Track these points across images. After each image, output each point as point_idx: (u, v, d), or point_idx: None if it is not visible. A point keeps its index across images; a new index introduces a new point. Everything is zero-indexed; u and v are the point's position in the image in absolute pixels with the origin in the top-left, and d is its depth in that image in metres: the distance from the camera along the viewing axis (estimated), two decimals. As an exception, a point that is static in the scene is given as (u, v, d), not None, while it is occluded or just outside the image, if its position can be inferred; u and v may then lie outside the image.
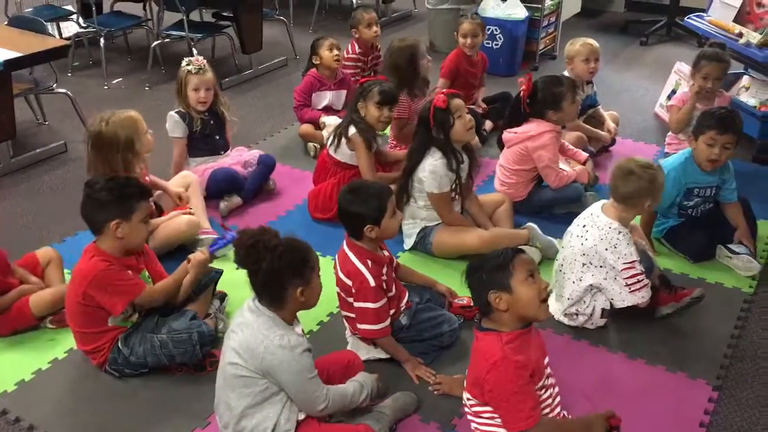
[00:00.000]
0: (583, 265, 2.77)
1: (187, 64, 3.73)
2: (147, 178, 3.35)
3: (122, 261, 2.58)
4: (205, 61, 3.78)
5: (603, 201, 2.85)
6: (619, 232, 2.71)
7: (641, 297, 2.74)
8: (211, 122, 3.83)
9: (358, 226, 2.54)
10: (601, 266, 2.75)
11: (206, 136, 3.82)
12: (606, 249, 2.71)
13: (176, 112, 3.76)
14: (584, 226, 2.80)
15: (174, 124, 3.76)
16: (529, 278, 2.08)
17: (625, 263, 2.70)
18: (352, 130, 3.58)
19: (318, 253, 3.27)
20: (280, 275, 2.11)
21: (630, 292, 2.73)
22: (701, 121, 3.26)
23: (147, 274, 2.69)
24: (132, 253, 2.63)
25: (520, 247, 3.12)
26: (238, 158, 3.92)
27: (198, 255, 2.69)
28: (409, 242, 3.37)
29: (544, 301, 2.11)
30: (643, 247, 2.97)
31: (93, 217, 2.55)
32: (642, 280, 2.72)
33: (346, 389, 2.29)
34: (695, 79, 3.90)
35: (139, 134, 3.13)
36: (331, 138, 3.70)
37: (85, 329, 2.60)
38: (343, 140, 3.61)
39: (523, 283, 2.07)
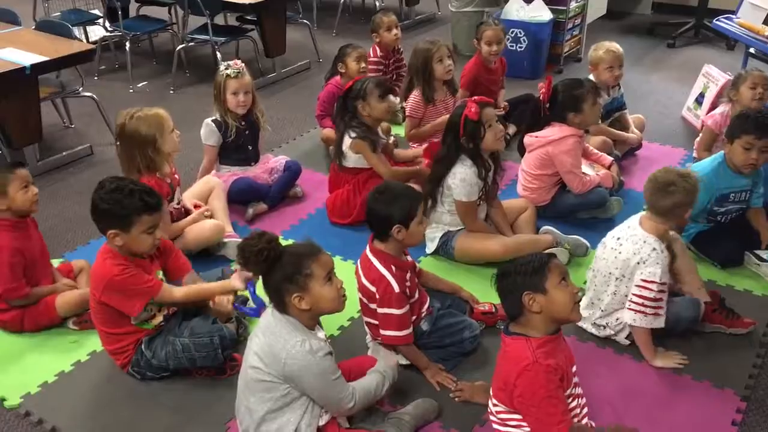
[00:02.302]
0: (617, 279, 2.70)
1: (226, 68, 3.69)
2: (176, 176, 3.37)
3: (136, 262, 2.57)
4: (243, 64, 3.75)
5: (641, 213, 2.76)
6: (653, 249, 2.61)
7: (633, 319, 2.64)
8: (246, 132, 3.81)
9: (386, 226, 2.52)
10: (630, 279, 2.67)
11: (239, 146, 3.81)
12: (637, 263, 2.62)
13: (212, 120, 3.74)
14: (619, 238, 2.72)
15: (209, 132, 3.74)
16: (562, 281, 2.09)
17: (643, 280, 2.61)
18: (349, 138, 3.57)
19: (338, 258, 3.34)
20: (272, 280, 2.12)
21: (628, 308, 2.65)
22: (737, 124, 3.16)
23: (159, 276, 2.70)
24: (141, 255, 2.61)
25: (549, 251, 3.12)
26: (264, 167, 3.92)
27: (223, 304, 2.70)
28: (431, 246, 3.35)
29: (577, 302, 2.12)
30: (688, 265, 2.91)
31: (95, 222, 2.57)
32: (647, 305, 2.60)
33: (369, 383, 2.28)
34: (741, 92, 3.78)
35: (163, 132, 3.13)
36: (333, 155, 3.72)
37: (110, 329, 2.61)
38: (346, 151, 3.59)
39: (557, 287, 2.08)
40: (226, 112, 3.73)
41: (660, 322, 2.64)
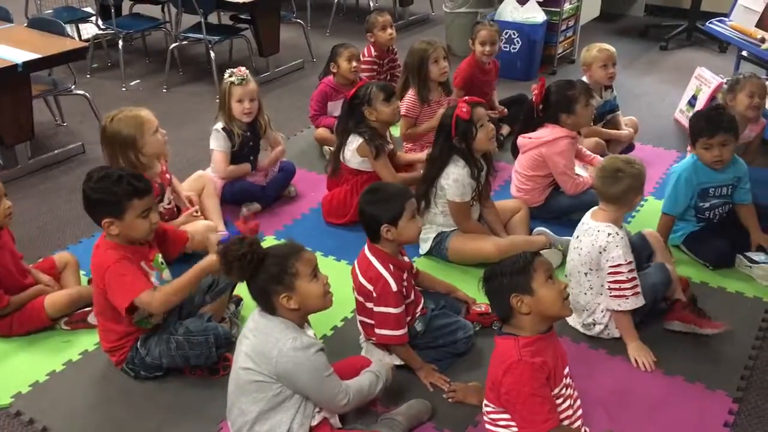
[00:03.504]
0: (586, 274, 2.76)
1: (230, 76, 3.64)
2: (167, 175, 3.36)
3: (134, 249, 2.55)
4: (247, 71, 3.69)
5: (593, 208, 2.83)
6: (608, 234, 2.68)
7: (618, 305, 2.69)
8: (250, 143, 3.77)
9: (376, 226, 2.53)
10: (598, 270, 2.73)
11: (241, 155, 3.76)
12: (599, 253, 2.69)
13: (222, 129, 3.68)
14: (578, 236, 2.80)
15: (220, 139, 3.68)
16: (549, 280, 2.10)
17: (611, 266, 2.67)
18: (356, 142, 3.56)
19: (332, 258, 3.34)
20: (257, 283, 2.12)
21: (610, 296, 2.70)
22: (692, 128, 3.25)
23: (159, 259, 2.67)
24: (139, 242, 2.59)
25: (542, 252, 3.12)
26: (260, 170, 3.89)
27: (211, 258, 2.59)
28: (424, 247, 3.35)
29: (566, 299, 2.13)
30: (665, 260, 2.94)
31: (88, 213, 2.55)
32: (625, 287, 2.67)
33: (363, 382, 2.28)
34: (738, 99, 3.75)
35: (144, 133, 3.08)
36: (330, 157, 3.72)
37: (111, 325, 2.58)
38: (353, 152, 3.58)
39: (543, 285, 2.09)
40: (231, 120, 3.67)
41: (641, 300, 2.70)
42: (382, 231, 2.52)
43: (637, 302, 2.69)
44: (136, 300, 2.46)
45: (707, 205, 3.30)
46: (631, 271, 2.68)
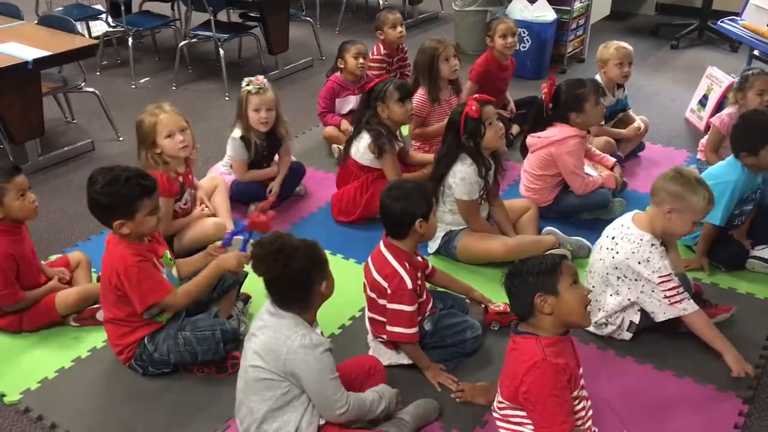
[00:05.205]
0: (618, 278, 2.70)
1: (247, 84, 3.60)
2: (190, 176, 3.38)
3: (146, 248, 2.57)
4: (265, 80, 3.64)
5: (635, 211, 2.77)
6: (652, 245, 2.62)
7: (683, 309, 2.63)
8: (265, 153, 3.75)
9: (408, 222, 2.52)
10: (636, 280, 2.66)
11: (254, 163, 3.74)
12: (639, 263, 2.62)
13: (240, 137, 3.66)
14: (614, 238, 2.72)
15: (237, 147, 3.67)
16: (574, 284, 2.09)
17: (661, 276, 2.61)
18: (367, 139, 3.55)
19: (339, 256, 3.34)
20: (307, 273, 2.13)
21: (670, 304, 2.63)
22: (759, 137, 3.07)
23: (168, 256, 2.69)
24: (146, 237, 2.61)
25: (551, 252, 3.11)
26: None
27: (227, 257, 2.63)
28: (433, 246, 3.34)
29: (587, 306, 2.12)
30: (680, 269, 2.90)
31: (97, 217, 2.56)
32: (681, 291, 2.62)
33: (366, 397, 2.27)
34: (749, 98, 3.72)
35: (156, 136, 3.13)
36: (343, 149, 3.73)
37: (123, 320, 2.58)
38: (365, 149, 3.57)
39: (569, 289, 2.08)
40: (249, 129, 3.64)
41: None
42: (416, 225, 2.52)
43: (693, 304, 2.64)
44: (162, 303, 2.52)
45: (737, 211, 3.22)
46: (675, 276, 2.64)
